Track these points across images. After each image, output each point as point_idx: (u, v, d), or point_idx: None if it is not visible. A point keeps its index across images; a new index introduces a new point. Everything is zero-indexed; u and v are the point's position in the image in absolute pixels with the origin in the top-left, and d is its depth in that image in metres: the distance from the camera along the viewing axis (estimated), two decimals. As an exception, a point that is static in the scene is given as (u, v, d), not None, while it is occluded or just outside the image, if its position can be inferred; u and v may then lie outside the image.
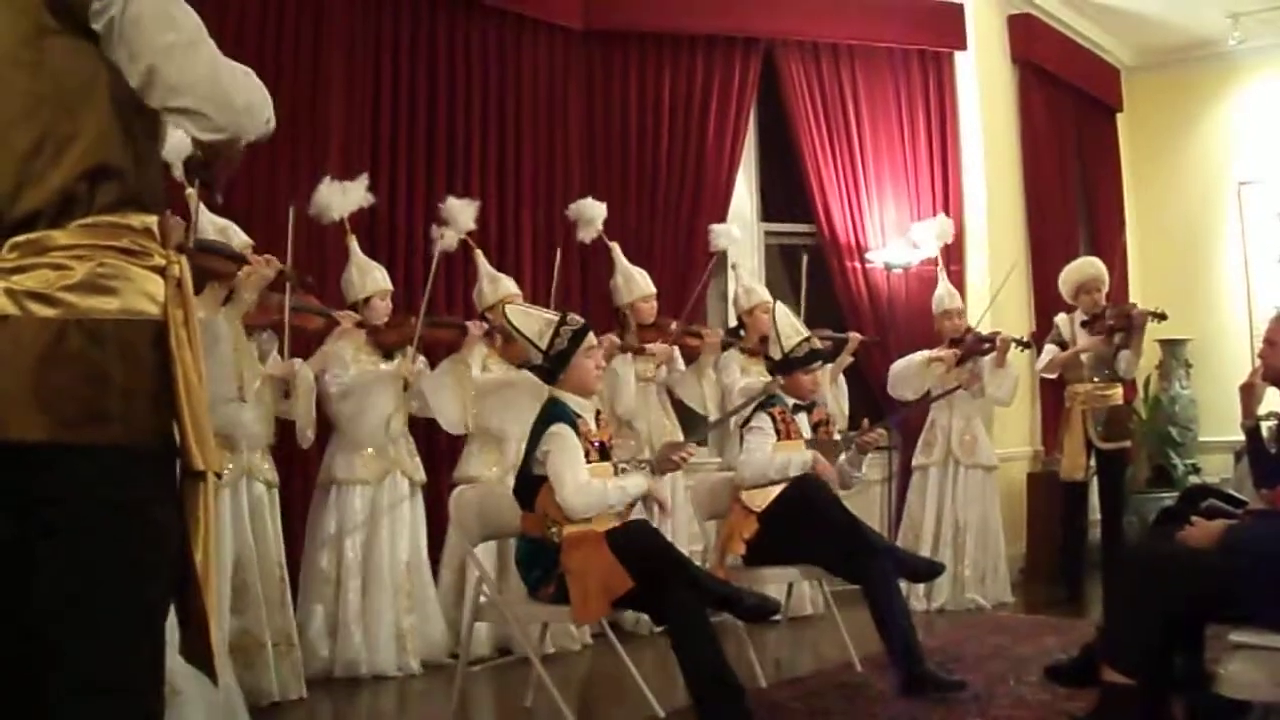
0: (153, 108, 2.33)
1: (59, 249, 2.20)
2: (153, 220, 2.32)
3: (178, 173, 3.09)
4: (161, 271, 2.32)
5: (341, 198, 6.09)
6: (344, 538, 5.93)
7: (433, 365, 6.39)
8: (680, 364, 7.46)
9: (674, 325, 7.29)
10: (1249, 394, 5.34)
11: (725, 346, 7.56)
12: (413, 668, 5.93)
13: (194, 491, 2.34)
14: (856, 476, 6.13)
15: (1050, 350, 8.02)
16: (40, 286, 2.18)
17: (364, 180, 6.18)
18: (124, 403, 2.21)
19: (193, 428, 2.29)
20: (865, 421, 6.05)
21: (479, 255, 6.69)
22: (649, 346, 7.16)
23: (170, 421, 2.29)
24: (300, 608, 5.80)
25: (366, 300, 6.13)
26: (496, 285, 6.61)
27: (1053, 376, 8.31)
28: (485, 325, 6.44)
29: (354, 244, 6.19)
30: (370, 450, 6.02)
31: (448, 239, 6.50)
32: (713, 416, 7.31)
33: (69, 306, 2.19)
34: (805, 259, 7.75)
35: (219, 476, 2.41)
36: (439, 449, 6.75)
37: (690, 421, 7.47)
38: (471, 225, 6.60)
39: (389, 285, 6.24)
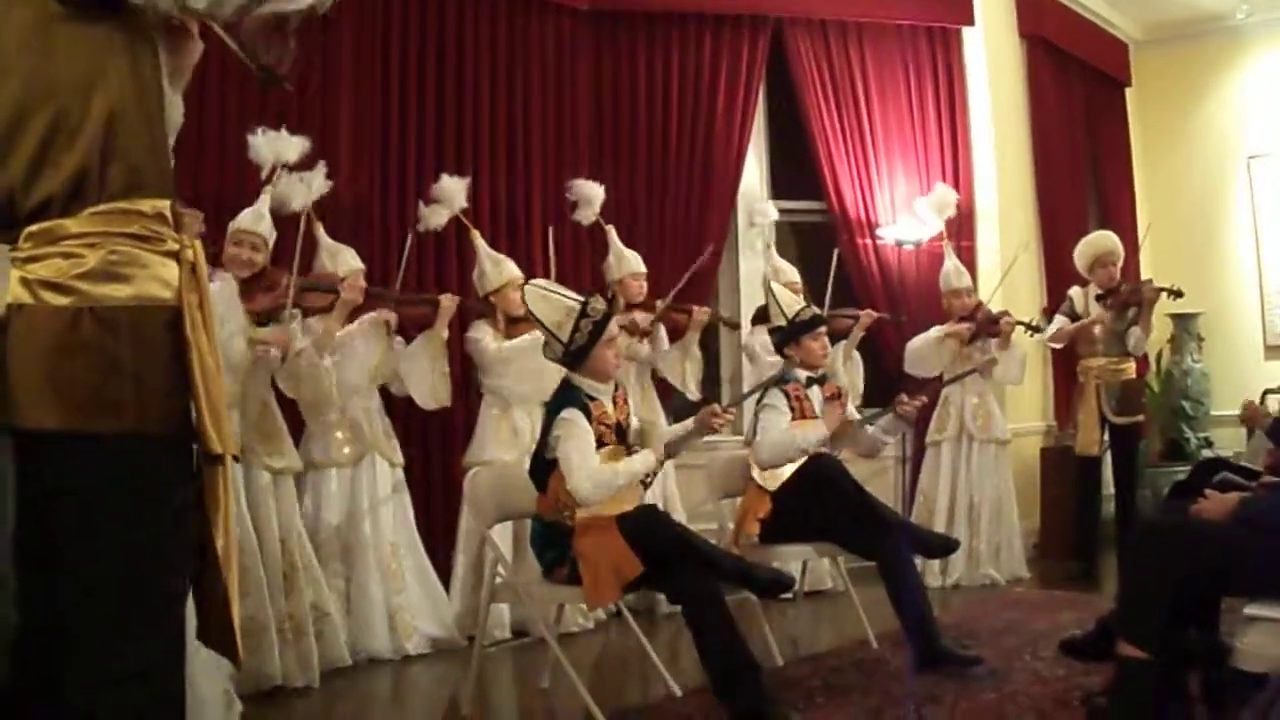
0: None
1: (71, 237, 2.21)
2: (165, 205, 2.33)
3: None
4: (175, 256, 2.33)
5: (300, 187, 6.02)
6: (321, 521, 5.91)
7: (409, 344, 6.38)
8: (665, 342, 7.43)
9: (659, 302, 7.28)
10: None
11: (754, 323, 7.58)
12: (407, 649, 5.94)
13: (212, 475, 2.35)
14: (886, 441, 6.15)
15: (1060, 320, 8.02)
16: (53, 275, 2.20)
17: (321, 168, 6.09)
18: (136, 389, 2.22)
19: (209, 411, 2.30)
20: (903, 396, 6.04)
21: (477, 237, 6.67)
22: (634, 315, 7.14)
23: (186, 406, 2.30)
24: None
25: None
26: (500, 268, 6.58)
27: (1058, 346, 8.31)
28: (458, 298, 6.44)
29: (320, 230, 6.15)
30: (345, 434, 6.00)
31: (437, 217, 6.56)
32: (691, 394, 7.34)
33: (82, 294, 2.20)
34: (835, 254, 7.75)
35: (237, 460, 2.42)
36: (430, 430, 6.78)
37: (676, 404, 7.50)
38: (464, 204, 6.63)
39: (360, 264, 6.18)
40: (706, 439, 5.27)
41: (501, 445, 6.38)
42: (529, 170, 7.48)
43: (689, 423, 5.16)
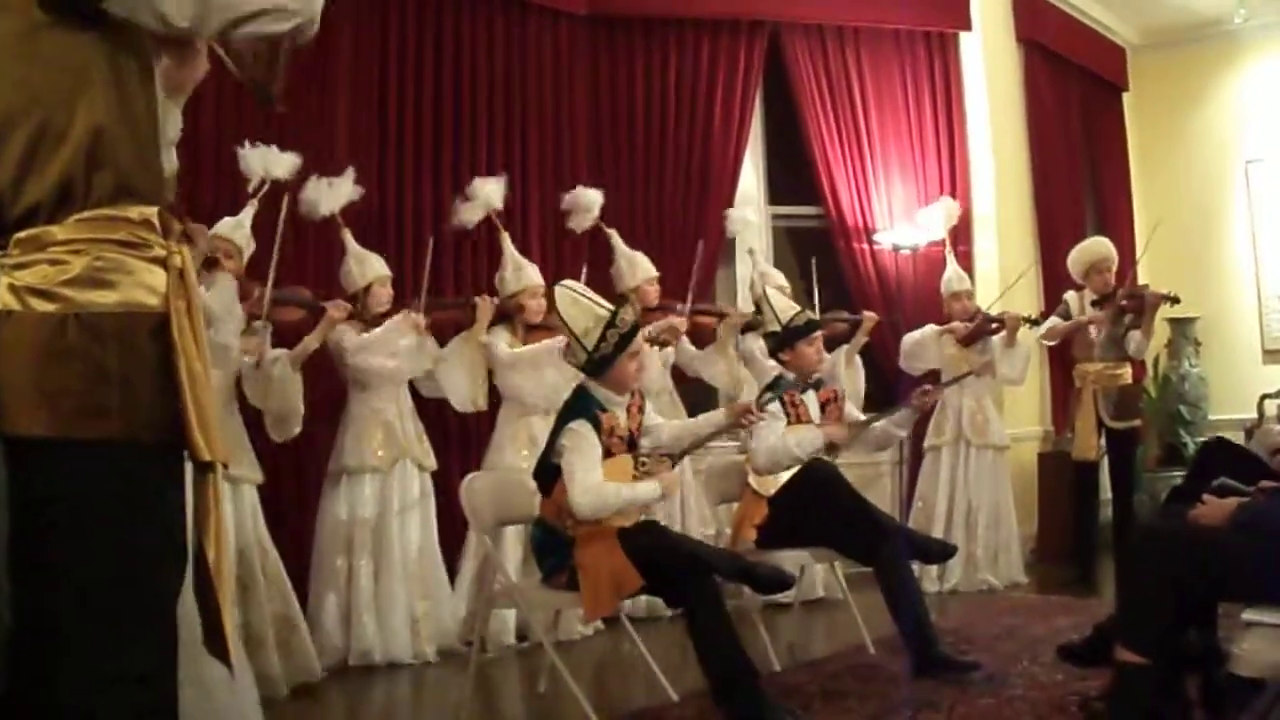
0: (218, 37, 2.37)
1: (57, 244, 2.21)
2: (152, 212, 2.32)
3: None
4: (163, 263, 2.32)
5: (329, 193, 6.10)
6: (354, 526, 5.94)
7: (442, 348, 6.40)
8: (689, 345, 7.43)
9: (680, 306, 7.26)
10: None
11: (745, 329, 7.56)
12: (427, 655, 5.94)
13: (202, 483, 2.34)
14: (898, 435, 6.19)
15: (1053, 320, 8.03)
16: (39, 282, 2.20)
17: (350, 174, 6.19)
18: (123, 396, 2.22)
19: (197, 418, 2.29)
20: (927, 386, 6.05)
21: (506, 239, 6.72)
22: (658, 325, 7.12)
23: (174, 413, 2.29)
24: (313, 597, 5.84)
25: (367, 289, 6.14)
26: (520, 274, 6.60)
27: (1052, 344, 8.30)
28: (495, 300, 6.49)
29: (348, 236, 6.20)
30: (379, 438, 6.02)
31: (470, 214, 6.64)
32: (734, 394, 7.34)
33: (67, 301, 2.19)
34: (814, 262, 7.74)
35: (226, 467, 2.41)
36: (453, 435, 6.79)
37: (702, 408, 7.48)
38: (498, 204, 6.71)
39: (388, 272, 6.24)
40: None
41: (518, 453, 6.37)
42: (526, 175, 7.47)
43: (719, 413, 5.18)
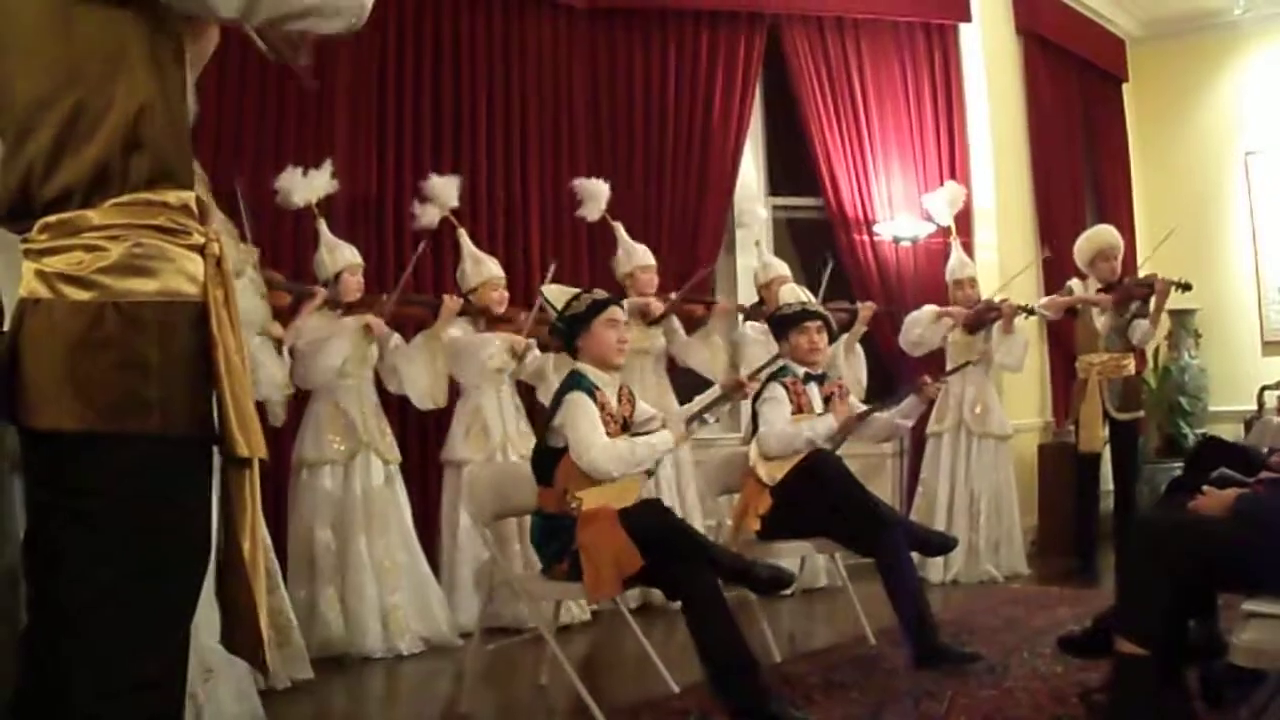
0: (259, 27, 2.32)
1: (93, 229, 2.12)
2: (190, 196, 2.24)
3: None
4: (200, 250, 2.24)
5: (304, 183, 6.12)
6: (317, 519, 5.93)
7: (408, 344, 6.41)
8: (682, 333, 7.46)
9: (673, 295, 7.30)
10: None
11: (747, 318, 7.59)
12: (400, 648, 5.90)
13: (238, 478, 2.27)
14: (904, 426, 6.21)
15: (1055, 297, 8.06)
16: (73, 269, 2.11)
17: (328, 167, 6.20)
18: (163, 389, 2.13)
19: (235, 412, 2.22)
20: (925, 378, 6.07)
21: (463, 235, 6.72)
22: (650, 301, 7.19)
23: (209, 407, 2.23)
24: (291, 591, 5.83)
25: (337, 276, 6.16)
26: (480, 268, 6.63)
27: (1051, 316, 8.27)
28: (461, 300, 6.49)
29: (323, 226, 6.22)
30: (338, 431, 6.02)
31: (429, 216, 6.63)
32: (715, 378, 7.35)
33: (105, 289, 2.10)
34: (830, 263, 7.77)
35: (263, 462, 2.34)
36: (417, 428, 6.80)
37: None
38: (454, 203, 6.70)
39: (359, 260, 6.26)
40: (700, 436, 5.29)
41: (471, 445, 6.39)
42: (525, 168, 7.49)
43: (714, 390, 5.26)
